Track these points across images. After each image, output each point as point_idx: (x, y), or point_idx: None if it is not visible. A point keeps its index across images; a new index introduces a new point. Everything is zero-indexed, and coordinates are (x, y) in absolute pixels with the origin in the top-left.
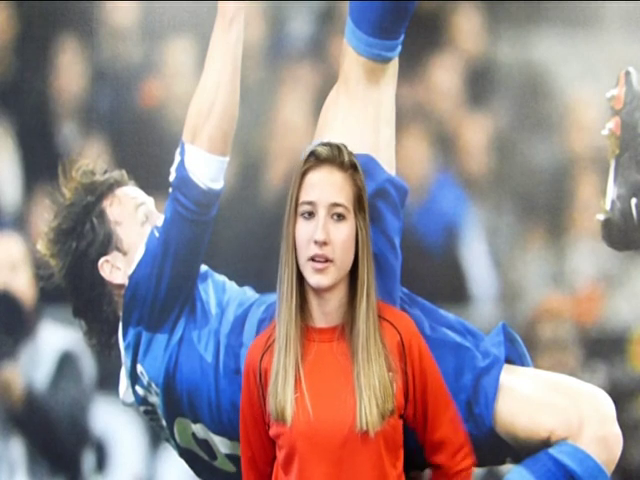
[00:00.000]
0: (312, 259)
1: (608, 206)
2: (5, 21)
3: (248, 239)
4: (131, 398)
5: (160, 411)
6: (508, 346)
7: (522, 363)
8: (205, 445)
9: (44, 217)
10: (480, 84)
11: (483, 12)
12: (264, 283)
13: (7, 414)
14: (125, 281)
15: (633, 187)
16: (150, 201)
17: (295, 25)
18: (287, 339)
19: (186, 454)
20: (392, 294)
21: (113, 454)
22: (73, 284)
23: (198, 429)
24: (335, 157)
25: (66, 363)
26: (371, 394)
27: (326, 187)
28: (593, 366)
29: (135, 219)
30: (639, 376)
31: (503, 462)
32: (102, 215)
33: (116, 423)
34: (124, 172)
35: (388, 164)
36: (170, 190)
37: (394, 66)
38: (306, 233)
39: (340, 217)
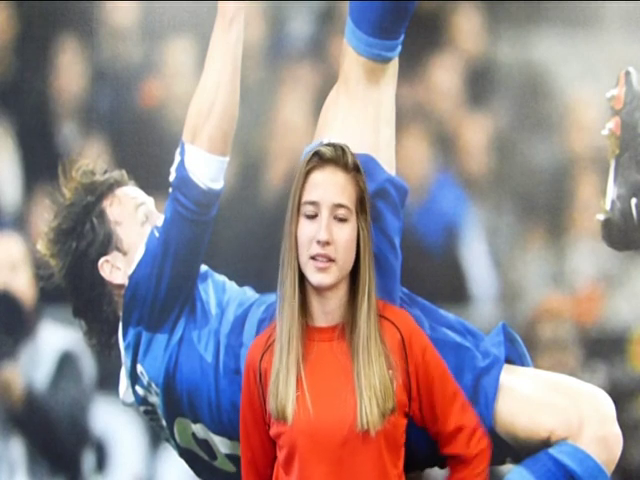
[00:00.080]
0: (314, 258)
1: (608, 206)
2: (5, 21)
3: (248, 239)
4: (131, 398)
5: (160, 411)
6: (508, 346)
7: (522, 363)
8: (205, 445)
9: (44, 217)
10: (480, 84)
11: (483, 12)
12: (264, 283)
13: (7, 414)
14: (125, 281)
15: (633, 187)
16: (150, 201)
17: (295, 25)
18: (289, 338)
19: (186, 454)
20: (392, 294)
21: (113, 454)
22: (73, 284)
23: (198, 429)
24: (339, 158)
25: (66, 363)
26: (371, 393)
27: (329, 187)
28: (593, 366)
29: (135, 219)
30: (639, 376)
31: (503, 462)
32: (102, 215)
33: (116, 423)
34: (124, 172)
35: (388, 164)
36: (170, 190)
37: (394, 66)
38: (309, 232)
39: (342, 219)
